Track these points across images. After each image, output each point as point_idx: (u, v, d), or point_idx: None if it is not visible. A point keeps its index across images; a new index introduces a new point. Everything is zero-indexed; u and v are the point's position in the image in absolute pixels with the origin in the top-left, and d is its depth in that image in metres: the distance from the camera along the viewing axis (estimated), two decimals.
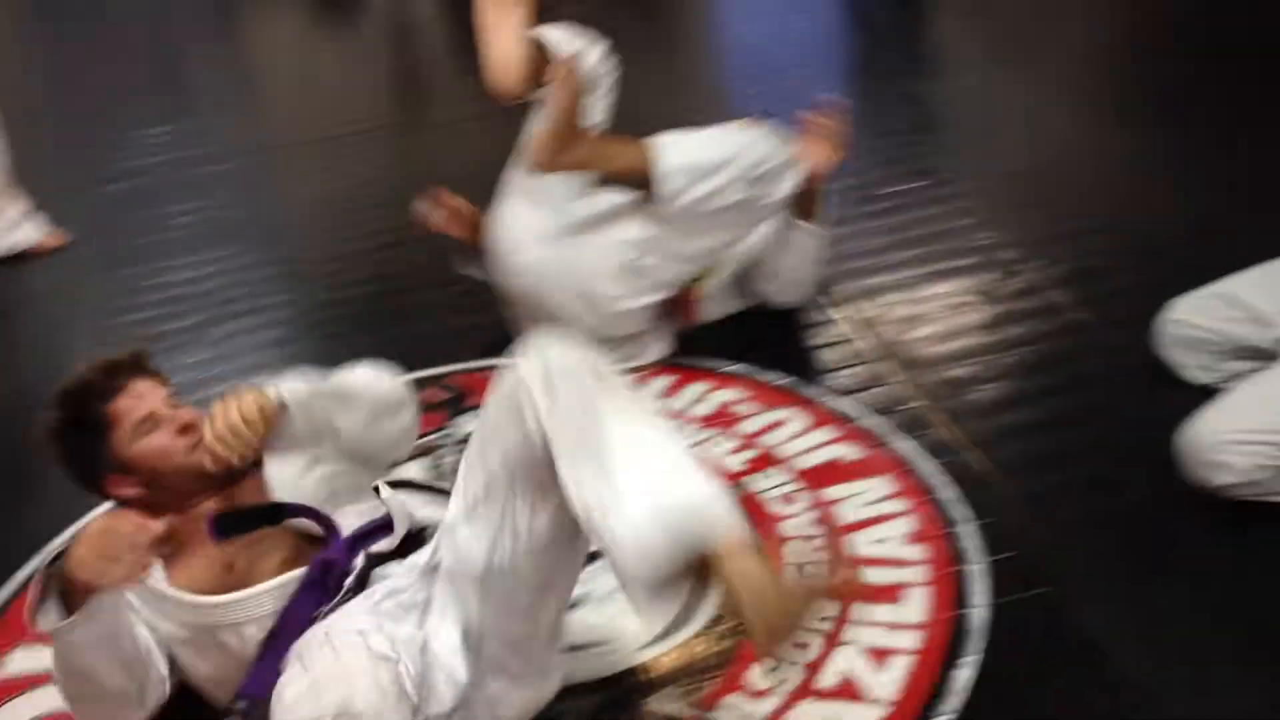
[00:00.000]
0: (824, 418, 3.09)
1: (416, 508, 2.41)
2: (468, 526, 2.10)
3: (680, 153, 3.12)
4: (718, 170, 3.11)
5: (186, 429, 2.25)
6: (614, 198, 3.21)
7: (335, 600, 2.15)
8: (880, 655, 2.37)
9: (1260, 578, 2.50)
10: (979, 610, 2.45)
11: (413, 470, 3.03)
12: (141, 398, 2.28)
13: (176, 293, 4.09)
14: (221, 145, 5.27)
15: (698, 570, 1.93)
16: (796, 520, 2.74)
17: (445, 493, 2.29)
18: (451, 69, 6.22)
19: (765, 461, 2.96)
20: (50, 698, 2.35)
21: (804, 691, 2.33)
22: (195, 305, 4.00)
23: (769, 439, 3.04)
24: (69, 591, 1.93)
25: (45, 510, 2.98)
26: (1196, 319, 3.01)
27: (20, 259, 4.48)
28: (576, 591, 2.56)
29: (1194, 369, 3.02)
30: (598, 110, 3.30)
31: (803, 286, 3.52)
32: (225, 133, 5.40)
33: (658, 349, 3.37)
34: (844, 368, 3.30)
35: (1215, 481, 2.61)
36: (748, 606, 1.89)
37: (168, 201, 4.77)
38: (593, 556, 2.65)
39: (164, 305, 4.02)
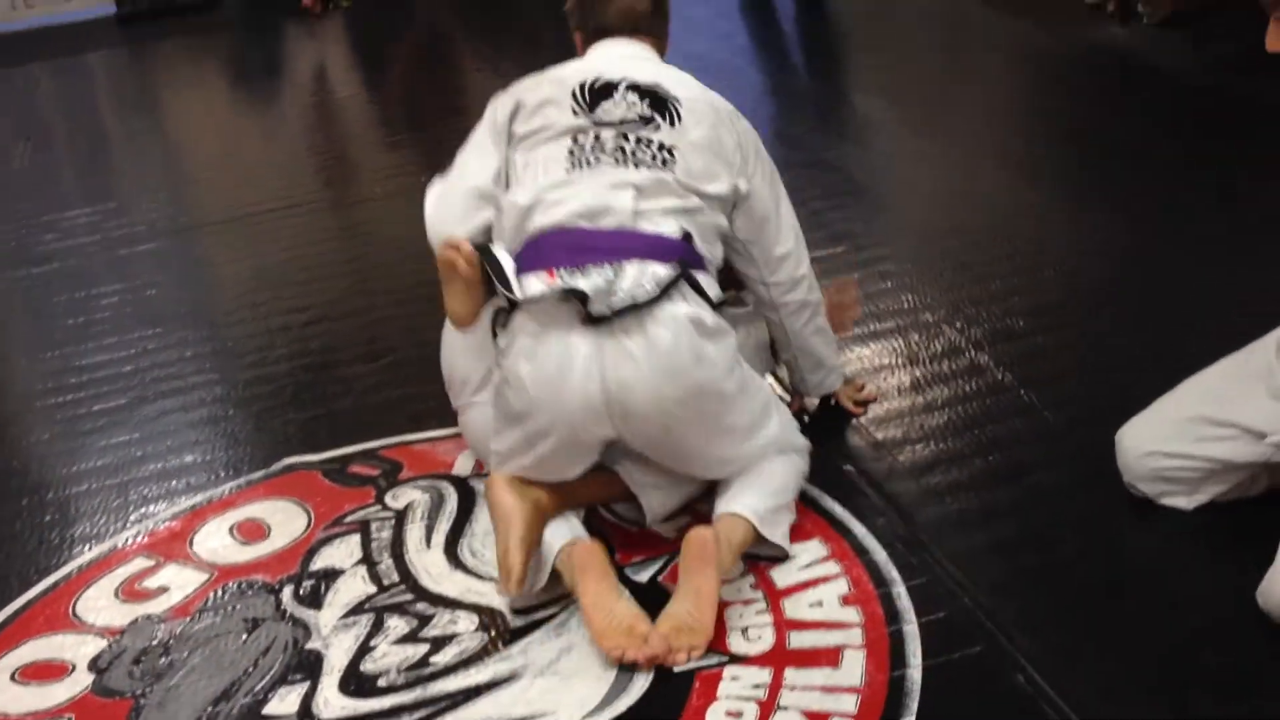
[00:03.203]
0: None
1: None
2: None
3: None
4: None
5: None
6: None
7: None
8: (818, 719, 2.39)
9: (1194, 630, 2.54)
10: (914, 671, 2.48)
11: (344, 549, 3.04)
12: None
13: (105, 373, 4.06)
14: (146, 225, 5.25)
15: None
16: (734, 584, 2.76)
17: None
18: (373, 144, 6.25)
19: None
20: None
21: None
22: (124, 385, 3.98)
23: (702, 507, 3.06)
24: None
25: None
26: (1170, 448, 2.78)
27: None
28: (515, 664, 2.58)
29: (1174, 497, 2.81)
30: None
31: None
32: (150, 212, 5.37)
33: None
34: None
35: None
36: None
37: (94, 283, 4.75)
38: (526, 630, 2.68)
39: (92, 386, 3.99)
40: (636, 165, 2.83)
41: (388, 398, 3.69)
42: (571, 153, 2.86)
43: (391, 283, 4.44)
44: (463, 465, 3.28)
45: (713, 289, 2.80)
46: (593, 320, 2.63)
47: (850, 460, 3.17)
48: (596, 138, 2.87)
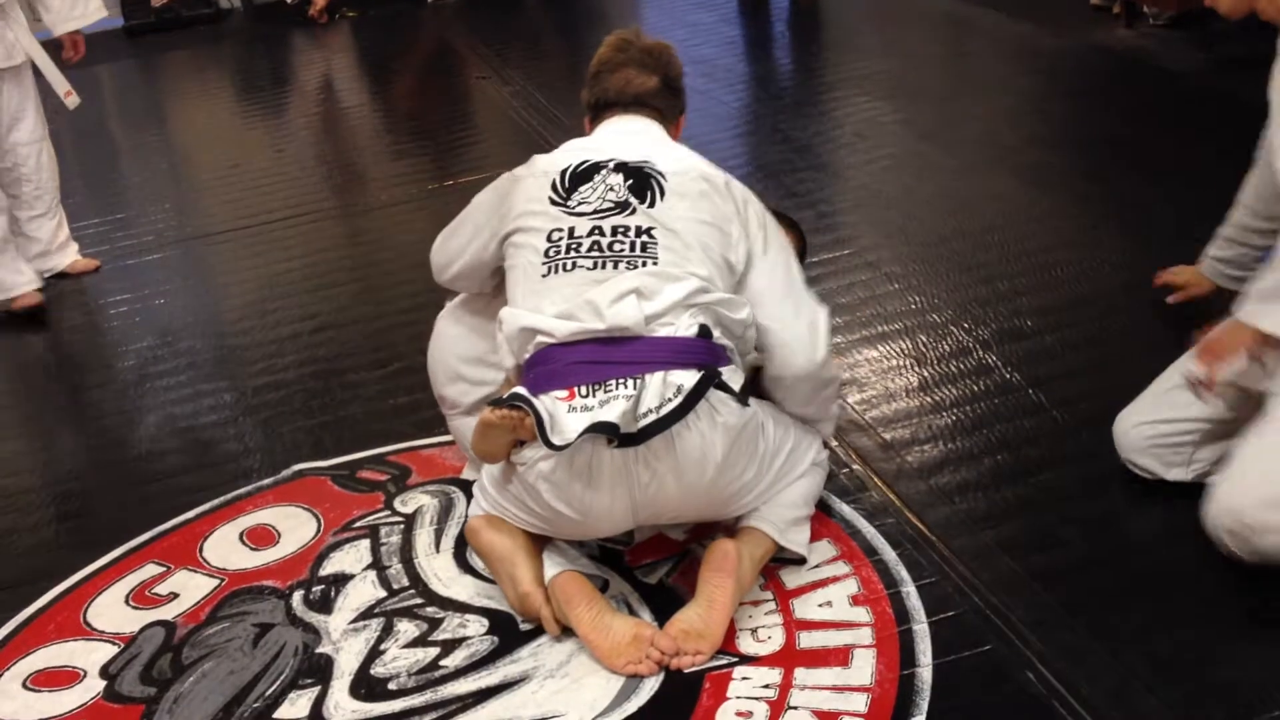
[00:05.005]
0: None
1: None
2: None
3: None
4: None
5: None
6: None
7: None
8: (829, 718, 2.39)
9: (1204, 632, 2.54)
10: (925, 670, 2.49)
11: (353, 554, 3.04)
12: None
13: (114, 383, 4.08)
14: (154, 235, 5.27)
15: None
16: None
17: None
18: (379, 153, 6.26)
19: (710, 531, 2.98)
20: None
21: None
22: (133, 394, 3.98)
23: None
24: None
25: None
26: (1157, 415, 2.88)
27: None
28: (525, 666, 2.58)
29: (1172, 468, 2.88)
30: None
31: None
32: (158, 222, 5.39)
33: None
34: None
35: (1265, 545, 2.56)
36: None
37: (102, 293, 4.77)
38: (536, 633, 2.67)
39: (101, 395, 4.01)
40: (615, 264, 2.69)
41: (395, 404, 3.70)
42: (546, 253, 2.74)
43: (398, 290, 4.45)
44: (471, 470, 3.28)
45: (736, 379, 2.66)
46: (619, 441, 2.55)
47: (859, 461, 3.17)
48: (571, 232, 2.75)
